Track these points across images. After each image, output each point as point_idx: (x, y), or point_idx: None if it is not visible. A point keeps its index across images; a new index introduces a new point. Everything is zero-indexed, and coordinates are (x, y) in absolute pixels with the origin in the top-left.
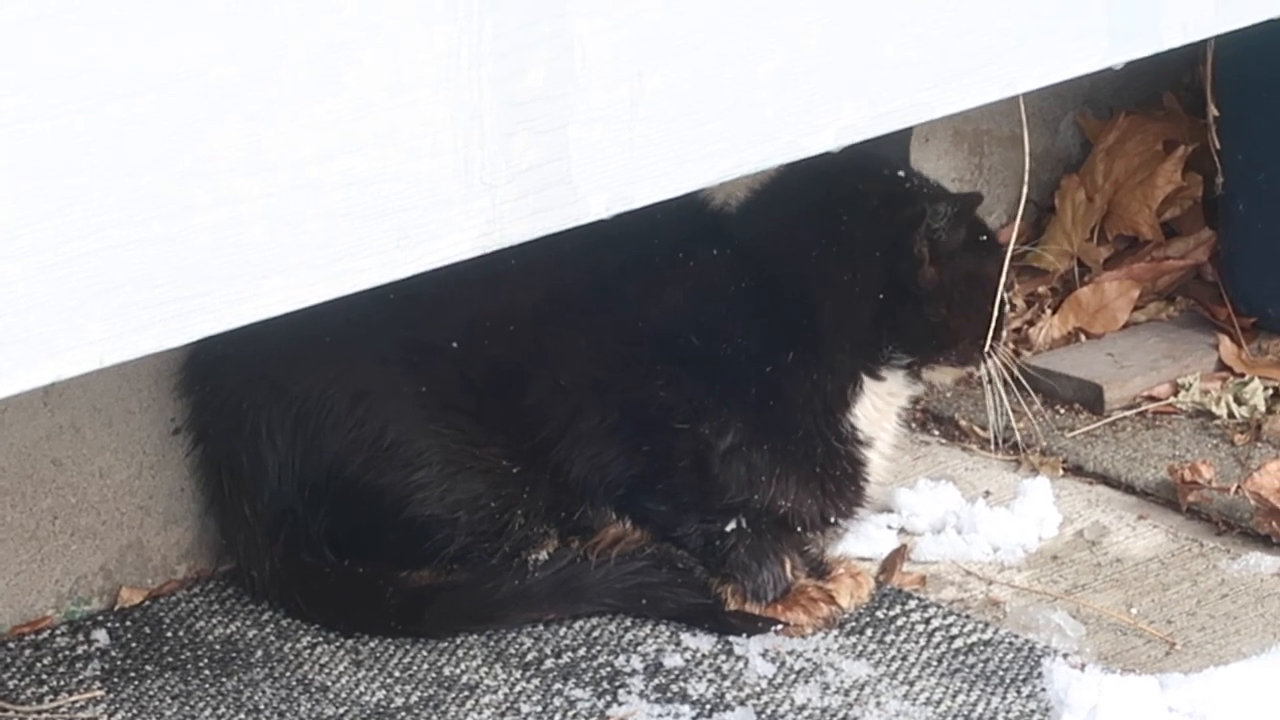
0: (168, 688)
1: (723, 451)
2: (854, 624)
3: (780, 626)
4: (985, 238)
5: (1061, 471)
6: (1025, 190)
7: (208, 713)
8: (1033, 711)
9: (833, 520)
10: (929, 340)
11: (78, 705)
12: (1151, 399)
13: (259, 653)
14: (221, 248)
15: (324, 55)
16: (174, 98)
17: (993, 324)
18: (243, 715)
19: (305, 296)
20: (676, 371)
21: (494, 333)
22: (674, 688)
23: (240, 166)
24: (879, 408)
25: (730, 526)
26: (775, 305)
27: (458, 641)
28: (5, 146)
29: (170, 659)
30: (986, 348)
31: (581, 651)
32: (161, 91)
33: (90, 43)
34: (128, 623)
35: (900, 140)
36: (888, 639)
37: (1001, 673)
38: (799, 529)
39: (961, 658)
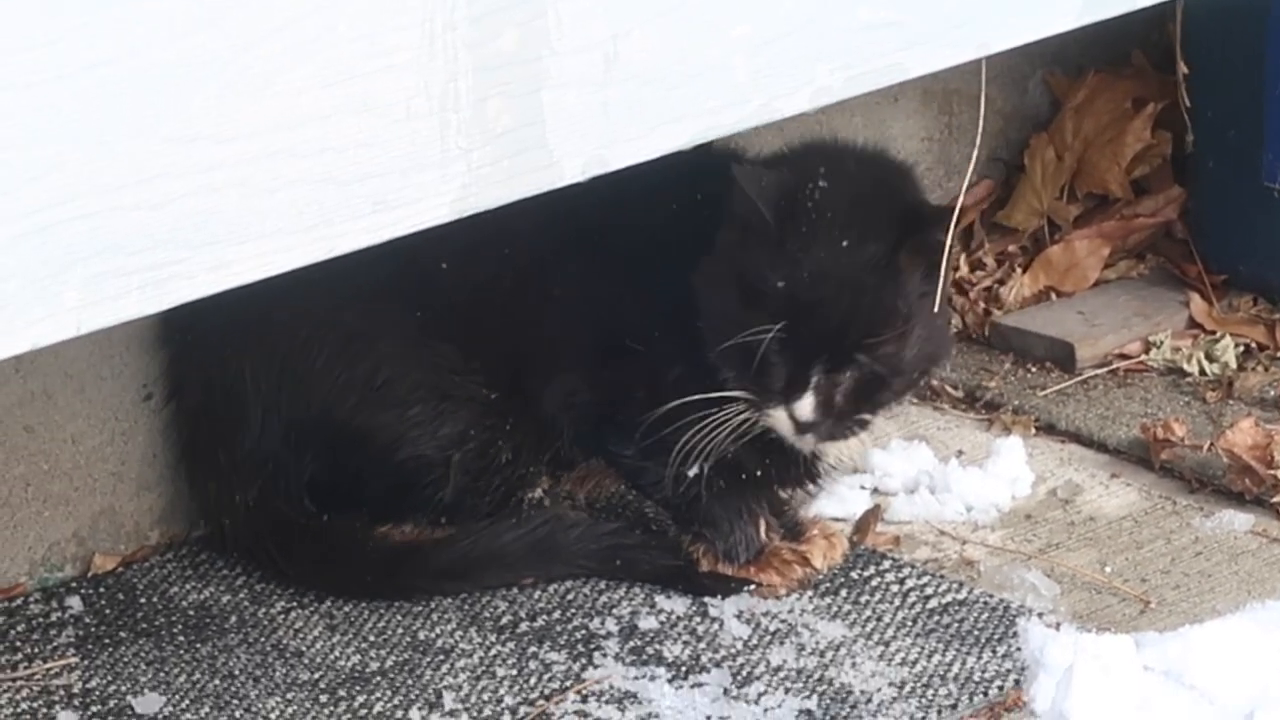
0: (142, 654)
1: (671, 381)
2: (829, 585)
3: (753, 587)
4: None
5: (1034, 430)
6: (976, 151)
7: (182, 678)
8: (1008, 671)
9: (794, 475)
10: None
11: (52, 672)
12: (1123, 357)
13: (233, 618)
14: (197, 215)
15: (298, 21)
16: (149, 66)
17: None
18: (218, 680)
19: (281, 262)
20: (637, 299)
21: (478, 259)
22: (649, 650)
23: (215, 134)
24: None
25: (693, 471)
26: None
27: (432, 606)
28: None
29: (144, 625)
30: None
31: (556, 615)
32: (137, 59)
33: (63, 10)
34: (101, 589)
35: None
36: (863, 600)
37: (977, 632)
38: (769, 484)
39: (936, 618)
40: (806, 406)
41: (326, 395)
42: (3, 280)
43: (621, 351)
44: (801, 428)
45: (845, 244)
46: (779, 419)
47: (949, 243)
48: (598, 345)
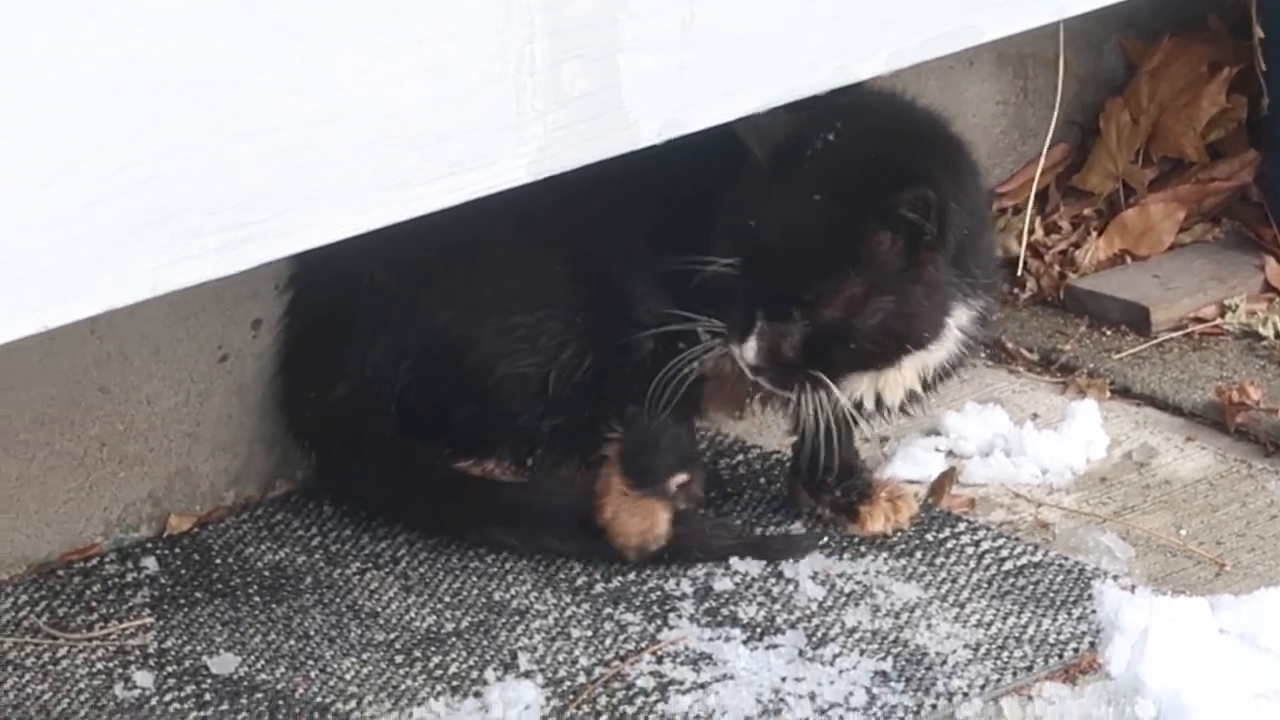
0: (217, 614)
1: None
2: (903, 546)
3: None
4: None
5: (1109, 394)
6: (1056, 114)
7: (258, 639)
8: (1084, 633)
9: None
10: None
11: (128, 632)
12: (1198, 320)
13: (308, 579)
14: (273, 177)
15: None
16: (232, 28)
17: None
18: (293, 641)
19: (357, 224)
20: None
21: (572, 197)
22: (724, 611)
23: (294, 97)
24: None
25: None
26: None
27: (507, 567)
28: (64, 77)
29: (219, 585)
30: None
31: (631, 576)
32: (221, 21)
33: None
34: (176, 550)
35: None
36: (937, 561)
37: (1052, 595)
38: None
39: (1011, 580)
40: (750, 349)
41: (431, 304)
42: (79, 242)
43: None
44: (751, 369)
45: (816, 198)
46: (734, 355)
47: (947, 233)
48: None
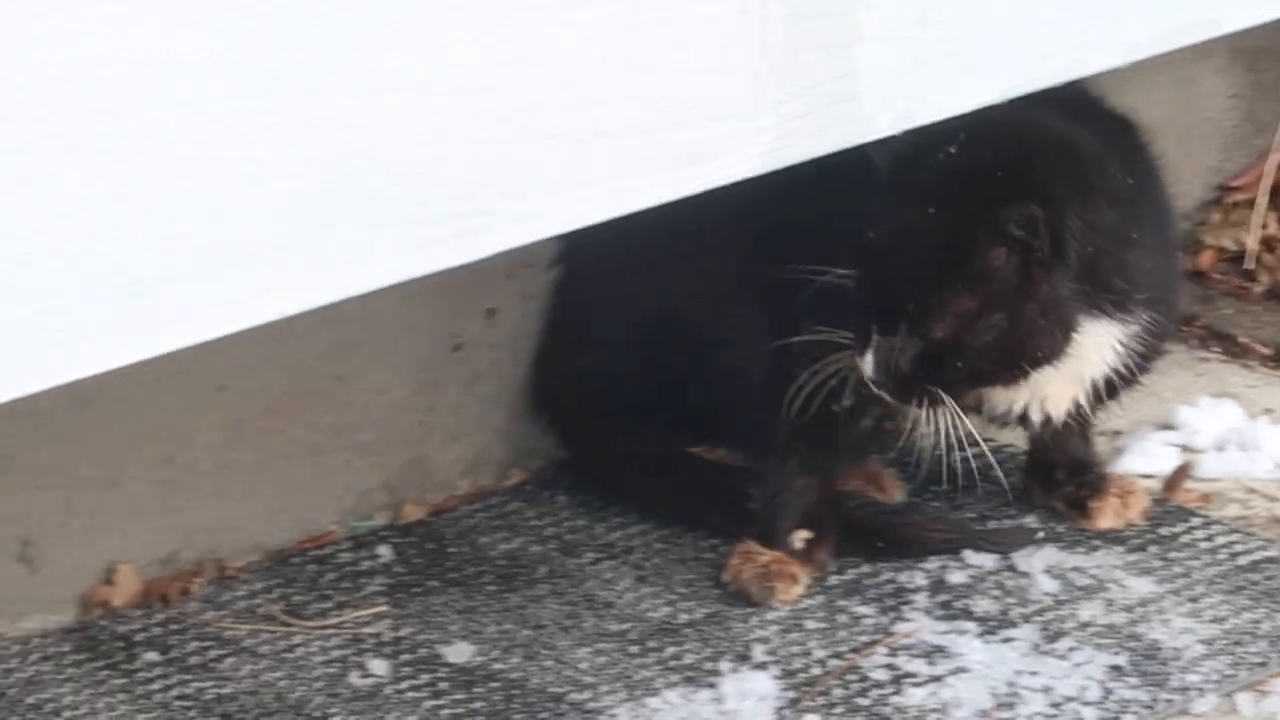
0: (452, 603)
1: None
2: (1137, 541)
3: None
4: None
5: None
6: None
7: (492, 628)
8: None
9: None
10: None
11: (363, 620)
12: None
13: (542, 568)
14: (510, 165)
15: None
16: (459, 21)
17: None
18: (527, 630)
19: (593, 213)
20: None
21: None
22: (958, 604)
23: (528, 83)
24: None
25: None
26: None
27: None
28: (303, 63)
29: (454, 574)
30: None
31: (865, 568)
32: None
33: None
34: (410, 538)
35: None
36: (1171, 556)
37: None
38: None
39: (1246, 575)
40: (868, 362)
41: (662, 285)
42: (317, 228)
43: None
44: (872, 382)
45: (930, 211)
46: (858, 366)
47: (1066, 250)
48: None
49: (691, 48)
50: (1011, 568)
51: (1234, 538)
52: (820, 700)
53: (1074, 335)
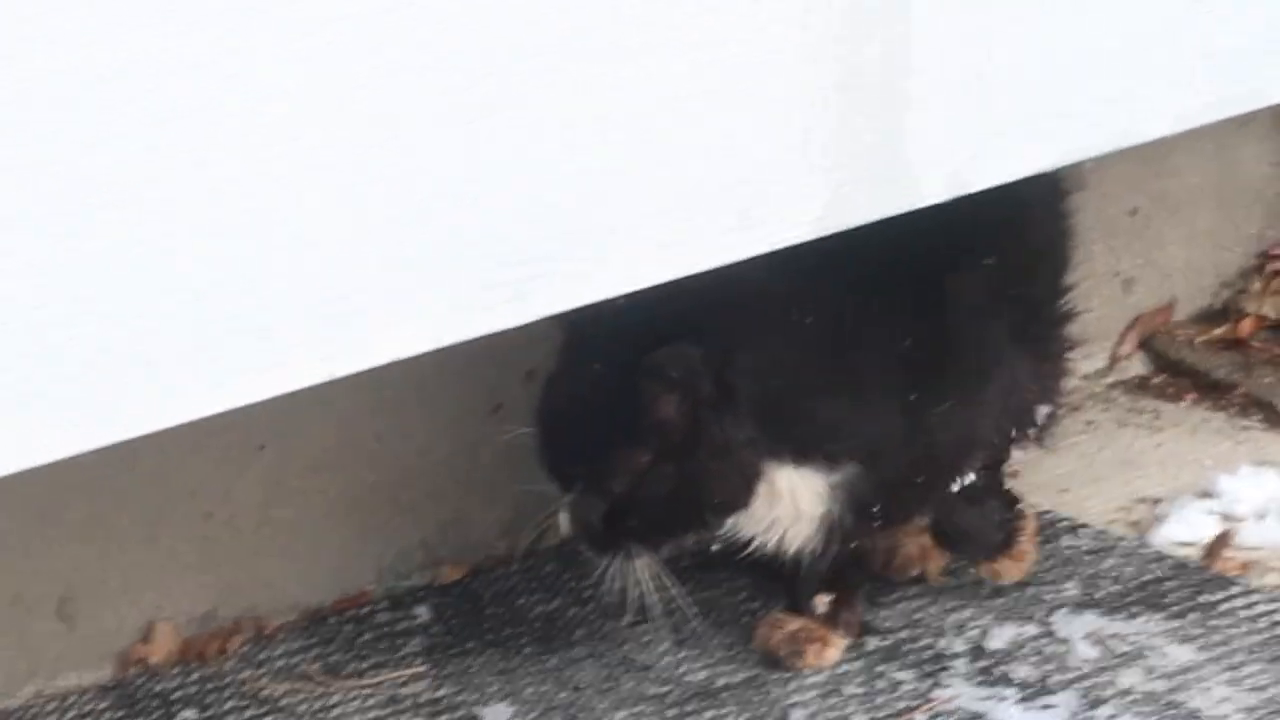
0: (490, 664)
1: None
2: (1177, 608)
3: None
4: None
5: None
6: None
7: (530, 690)
8: None
9: None
10: None
11: (400, 680)
12: None
13: (580, 630)
14: (561, 228)
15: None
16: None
17: None
18: (566, 692)
19: (644, 276)
20: None
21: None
22: (997, 670)
23: (588, 140)
24: None
25: None
26: None
27: None
28: (362, 114)
29: (491, 635)
30: None
31: (904, 633)
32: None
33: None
34: (448, 598)
35: None
36: (1211, 623)
37: None
38: None
39: None
40: (563, 520)
41: None
42: (369, 291)
43: None
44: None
45: (598, 366)
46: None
47: (735, 392)
48: None
49: (744, 111)
50: (1050, 634)
51: (1274, 606)
52: None
53: (759, 482)
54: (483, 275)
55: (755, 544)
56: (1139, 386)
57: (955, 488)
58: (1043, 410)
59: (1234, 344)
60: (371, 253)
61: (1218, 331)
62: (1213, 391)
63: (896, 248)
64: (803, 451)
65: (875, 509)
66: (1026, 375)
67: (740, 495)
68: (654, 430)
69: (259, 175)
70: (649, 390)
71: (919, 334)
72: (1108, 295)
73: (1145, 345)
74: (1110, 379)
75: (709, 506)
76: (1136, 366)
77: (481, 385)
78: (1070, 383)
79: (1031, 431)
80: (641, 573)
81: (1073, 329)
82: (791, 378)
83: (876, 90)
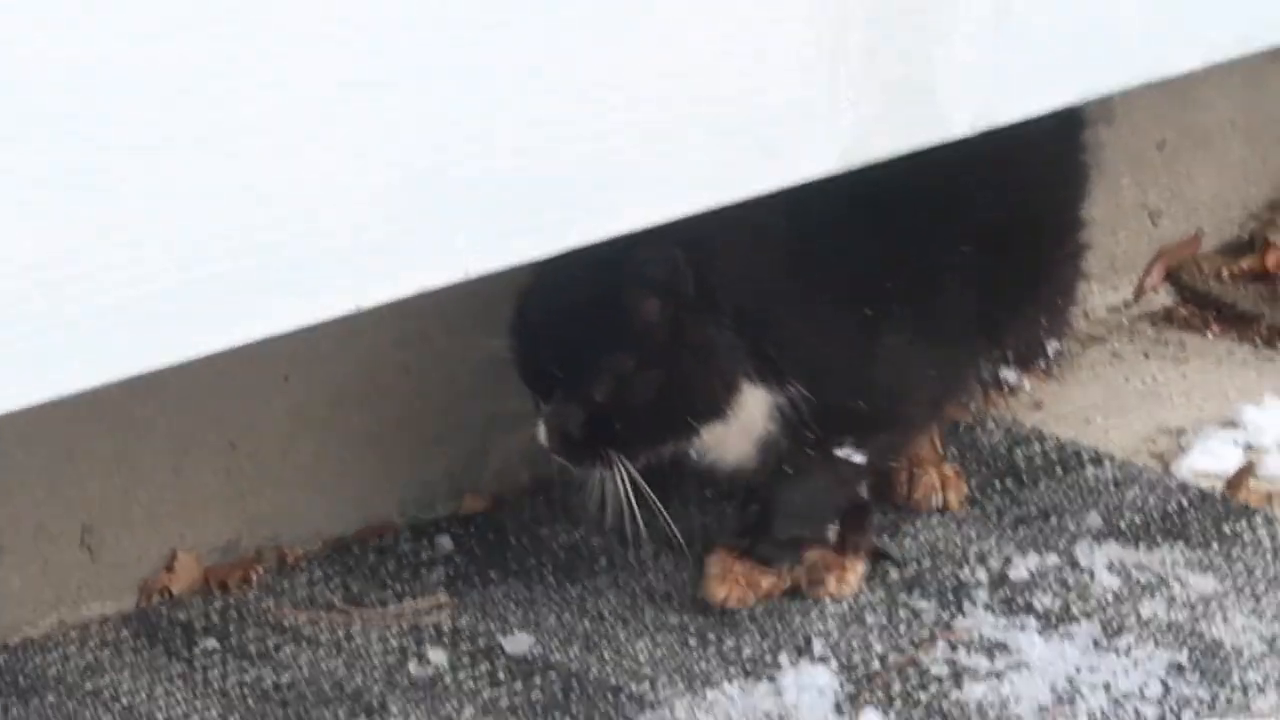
0: (512, 594)
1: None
2: (1200, 538)
3: None
4: None
5: None
6: None
7: (552, 619)
8: None
9: None
10: None
11: (422, 610)
12: None
13: (603, 560)
14: (587, 160)
15: None
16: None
17: None
18: (587, 621)
19: (670, 210)
20: None
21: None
22: (1019, 600)
23: (608, 80)
24: None
25: None
26: None
27: None
28: (391, 61)
29: (514, 565)
30: None
31: (926, 563)
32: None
33: None
34: (471, 529)
35: None
36: (1233, 554)
37: None
38: None
39: None
40: (540, 432)
41: None
42: (395, 223)
43: None
44: (550, 450)
45: (579, 274)
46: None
47: (716, 296)
48: None
49: (769, 45)
50: (1073, 564)
51: None
52: (880, 694)
53: (737, 391)
54: (511, 208)
55: (697, 459)
56: (1165, 318)
57: (892, 437)
58: (1052, 344)
59: (1260, 276)
60: (399, 184)
61: (1244, 263)
62: (1238, 323)
63: (883, 170)
64: (760, 367)
65: (809, 435)
66: (1020, 325)
67: (721, 401)
68: (637, 334)
69: (287, 107)
70: (632, 293)
71: (889, 261)
72: (1135, 228)
73: (1171, 277)
74: (1136, 310)
75: (691, 412)
76: (1162, 298)
77: (507, 317)
78: (1097, 314)
79: (1042, 364)
80: (621, 483)
81: (1086, 263)
82: (763, 289)
83: (905, 24)
